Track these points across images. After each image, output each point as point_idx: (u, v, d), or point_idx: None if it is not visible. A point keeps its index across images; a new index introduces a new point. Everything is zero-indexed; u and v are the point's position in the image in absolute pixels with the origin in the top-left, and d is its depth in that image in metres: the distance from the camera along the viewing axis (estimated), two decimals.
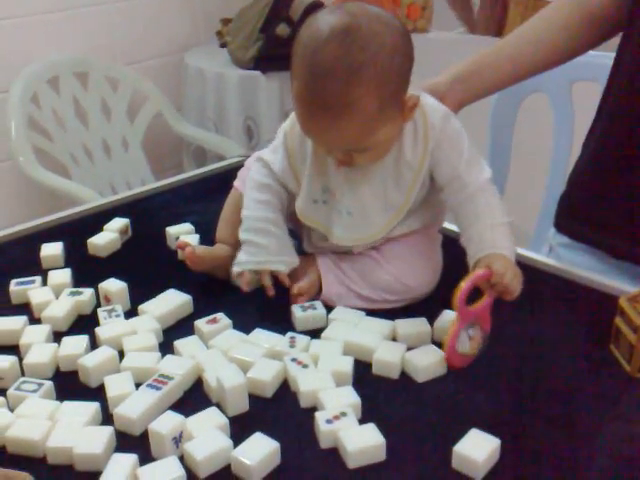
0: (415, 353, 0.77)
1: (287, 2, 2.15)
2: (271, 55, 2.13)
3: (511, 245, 0.80)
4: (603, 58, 1.28)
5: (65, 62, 2.10)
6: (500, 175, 1.50)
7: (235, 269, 0.89)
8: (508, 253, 0.79)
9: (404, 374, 0.77)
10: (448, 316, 0.83)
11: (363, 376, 0.77)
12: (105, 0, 2.20)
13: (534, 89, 1.46)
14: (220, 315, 0.84)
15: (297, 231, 0.96)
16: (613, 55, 1.02)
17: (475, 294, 0.78)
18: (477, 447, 0.65)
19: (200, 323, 0.83)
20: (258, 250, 0.88)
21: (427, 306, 0.87)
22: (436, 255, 0.92)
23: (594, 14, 0.99)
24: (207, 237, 1.00)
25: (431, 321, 0.83)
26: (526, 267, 0.97)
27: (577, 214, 1.05)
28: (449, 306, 0.85)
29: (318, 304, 0.86)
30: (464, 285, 0.74)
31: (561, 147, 1.47)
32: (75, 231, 1.08)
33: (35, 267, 0.98)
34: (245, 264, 0.88)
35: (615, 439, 0.69)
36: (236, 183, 0.98)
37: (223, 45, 2.37)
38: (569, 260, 1.06)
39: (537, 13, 1.05)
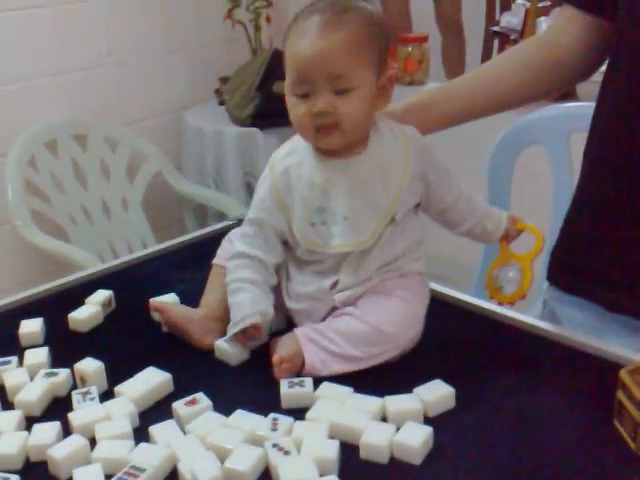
0: (403, 434, 0.73)
1: (283, 60, 2.16)
2: (268, 112, 2.14)
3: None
4: None
5: (63, 124, 2.11)
6: None
7: (226, 338, 0.89)
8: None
9: (394, 458, 0.72)
10: (439, 387, 0.80)
11: (350, 461, 0.72)
12: (103, 62, 2.22)
13: (531, 141, 1.45)
14: (200, 395, 0.80)
15: (276, 291, 0.93)
16: None
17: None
18: None
19: (178, 405, 0.79)
20: (235, 310, 0.88)
21: (417, 377, 0.82)
22: (416, 301, 0.89)
23: (559, 58, 0.99)
24: (194, 307, 0.97)
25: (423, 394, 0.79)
26: (521, 332, 0.94)
27: (568, 266, 1.03)
28: (441, 376, 0.81)
29: (308, 382, 0.82)
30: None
31: (561, 199, 1.44)
32: (57, 304, 1.05)
33: (14, 344, 0.95)
34: (229, 331, 0.88)
35: None
36: (214, 261, 0.97)
37: (222, 103, 2.38)
38: (561, 314, 1.03)
39: (504, 51, 1.05)
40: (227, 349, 0.89)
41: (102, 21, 2.21)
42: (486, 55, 3.19)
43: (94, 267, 1.21)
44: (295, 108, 0.85)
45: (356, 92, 0.83)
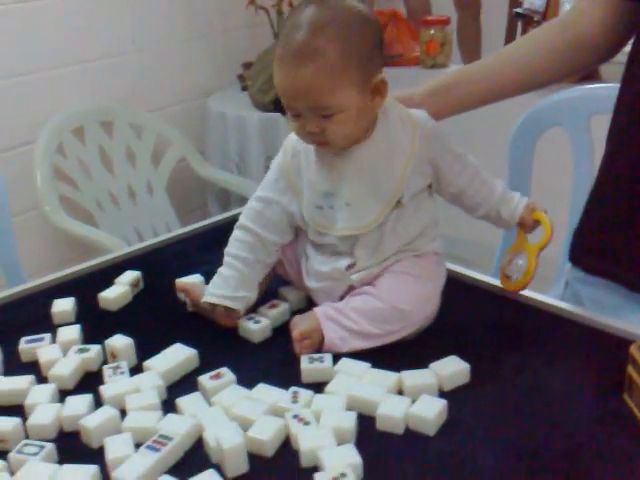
0: (418, 406, 0.75)
1: None
2: None
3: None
4: None
5: (90, 111, 2.16)
6: None
7: (203, 300, 0.94)
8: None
9: (409, 429, 0.75)
10: (455, 362, 0.82)
11: (367, 432, 0.75)
12: (128, 49, 2.26)
13: (552, 123, 1.45)
14: (224, 370, 0.84)
15: (297, 270, 0.97)
16: None
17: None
18: None
19: (204, 379, 0.82)
20: (219, 281, 0.94)
21: (433, 353, 0.85)
22: (432, 280, 0.92)
23: (581, 40, 0.99)
24: None
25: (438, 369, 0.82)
26: (536, 310, 0.96)
27: (591, 246, 1.04)
28: (456, 353, 0.84)
29: (327, 357, 0.85)
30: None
31: (581, 181, 1.44)
32: (88, 285, 1.10)
33: (47, 323, 0.99)
34: (207, 296, 0.93)
35: None
36: None
37: (245, 89, 2.41)
38: (584, 294, 1.04)
39: (525, 35, 1.05)
40: (250, 327, 0.93)
41: (127, 9, 2.24)
42: (509, 37, 3.17)
43: (123, 249, 1.25)
44: (290, 122, 0.88)
45: (342, 113, 0.84)
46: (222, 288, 0.93)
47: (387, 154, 0.88)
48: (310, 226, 0.92)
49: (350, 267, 0.91)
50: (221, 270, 0.95)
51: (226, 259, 0.95)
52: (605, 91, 1.40)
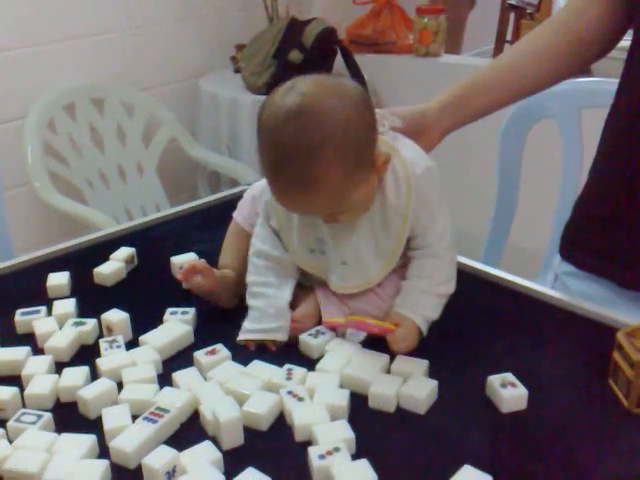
0: (410, 386, 0.77)
1: (300, 29, 2.18)
2: (284, 81, 2.15)
3: (431, 314, 0.87)
4: (611, 84, 1.28)
5: (81, 88, 2.14)
6: (509, 201, 1.51)
7: (240, 338, 0.88)
8: (420, 321, 0.85)
9: (400, 408, 0.77)
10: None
11: (359, 409, 0.77)
12: (121, 27, 2.24)
13: (543, 115, 1.47)
14: (219, 346, 0.85)
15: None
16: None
17: None
18: None
19: (199, 354, 0.84)
20: (258, 315, 0.89)
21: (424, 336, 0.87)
22: None
23: (581, 39, 1.00)
24: (212, 266, 1.01)
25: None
26: (526, 297, 0.98)
27: (582, 242, 1.05)
28: (447, 337, 0.86)
29: (322, 328, 0.88)
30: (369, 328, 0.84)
31: (570, 174, 1.47)
32: (82, 260, 1.10)
33: (42, 296, 1.00)
34: (248, 333, 0.88)
35: (613, 476, 0.68)
36: (235, 214, 1.00)
37: (237, 70, 2.41)
38: (574, 288, 1.06)
39: (522, 38, 1.06)
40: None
41: None
42: (502, 28, 3.19)
43: (116, 226, 1.26)
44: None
45: (354, 209, 0.82)
46: (260, 321, 0.88)
47: (383, 214, 0.85)
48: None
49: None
50: (252, 303, 0.90)
51: (252, 289, 0.91)
52: (595, 85, 1.43)
